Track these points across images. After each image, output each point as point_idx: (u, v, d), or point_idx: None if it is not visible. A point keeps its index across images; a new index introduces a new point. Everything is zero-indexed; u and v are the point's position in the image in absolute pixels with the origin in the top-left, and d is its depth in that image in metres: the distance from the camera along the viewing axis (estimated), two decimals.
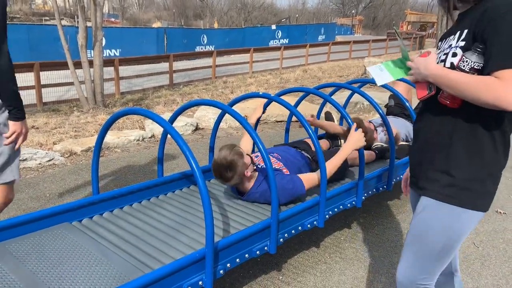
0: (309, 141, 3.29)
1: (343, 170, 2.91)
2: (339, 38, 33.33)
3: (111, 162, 4.44)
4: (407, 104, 3.33)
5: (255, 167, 2.52)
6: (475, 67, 1.24)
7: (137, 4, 67.79)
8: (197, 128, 5.81)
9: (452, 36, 1.37)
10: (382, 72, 1.53)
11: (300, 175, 2.49)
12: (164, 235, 2.12)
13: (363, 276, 2.52)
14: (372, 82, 3.46)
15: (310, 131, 2.25)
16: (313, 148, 3.21)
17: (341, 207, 2.56)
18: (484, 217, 3.33)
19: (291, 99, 6.55)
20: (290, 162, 2.72)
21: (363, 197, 2.73)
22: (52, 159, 4.22)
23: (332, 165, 2.52)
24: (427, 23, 56.68)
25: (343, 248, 2.84)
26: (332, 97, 3.90)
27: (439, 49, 1.45)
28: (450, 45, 1.34)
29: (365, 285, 2.44)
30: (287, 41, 26.24)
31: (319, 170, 2.40)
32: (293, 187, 2.41)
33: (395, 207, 3.48)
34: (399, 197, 3.67)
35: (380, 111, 2.90)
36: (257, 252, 2.01)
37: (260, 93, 2.56)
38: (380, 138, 3.56)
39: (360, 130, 2.60)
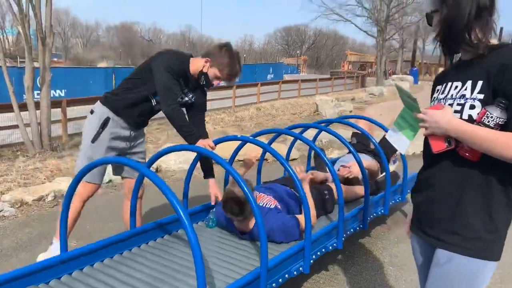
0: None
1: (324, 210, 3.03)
2: (286, 77, 34.40)
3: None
4: (373, 140, 3.40)
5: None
6: (499, 122, 1.25)
7: (82, 44, 66.78)
8: (157, 171, 5.61)
9: (460, 84, 1.37)
10: (398, 135, 1.49)
11: (298, 216, 2.57)
12: None
13: None
14: (337, 121, 3.54)
15: (294, 176, 2.21)
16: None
17: (323, 250, 2.51)
18: None
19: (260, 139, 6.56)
20: (283, 200, 2.78)
21: (343, 238, 2.70)
22: (1, 210, 3.87)
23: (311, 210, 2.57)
24: (366, 62, 60.25)
25: None
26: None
27: (439, 92, 1.45)
28: (464, 95, 1.34)
29: None
30: (237, 80, 26.65)
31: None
32: (294, 224, 2.49)
33: (368, 245, 3.48)
34: (370, 235, 3.68)
35: (351, 148, 3.00)
36: None
37: (239, 136, 2.52)
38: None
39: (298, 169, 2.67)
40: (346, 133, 6.77)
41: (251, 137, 2.55)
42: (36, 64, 8.01)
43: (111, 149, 2.68)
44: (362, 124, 4.01)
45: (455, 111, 1.33)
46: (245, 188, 1.89)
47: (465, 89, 1.34)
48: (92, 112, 2.75)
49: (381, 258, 3.27)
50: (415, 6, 28.37)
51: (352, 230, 2.84)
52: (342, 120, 3.61)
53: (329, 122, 3.67)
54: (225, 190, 2.49)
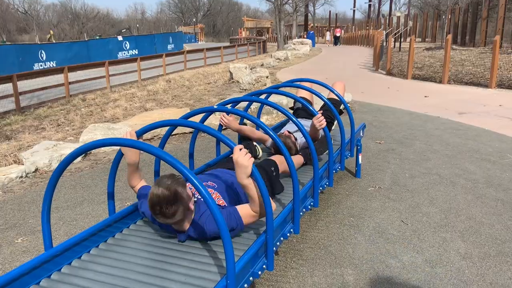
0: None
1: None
2: (186, 47, 33.59)
3: None
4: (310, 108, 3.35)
5: (195, 199, 2.18)
6: None
7: None
8: (86, 154, 5.22)
9: None
10: None
11: (239, 208, 2.13)
12: (145, 276, 1.85)
13: (332, 273, 2.61)
14: (287, 85, 3.60)
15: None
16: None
17: (281, 238, 2.34)
18: (398, 196, 3.76)
19: (180, 113, 6.29)
20: (228, 190, 2.35)
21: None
22: None
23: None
24: (263, 28, 61.13)
25: (300, 250, 2.89)
26: (230, 107, 3.52)
27: None
28: None
29: (339, 280, 2.54)
30: (136, 52, 25.34)
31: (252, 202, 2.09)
32: (228, 224, 2.05)
33: (324, 201, 3.67)
34: (322, 192, 3.88)
35: (293, 118, 2.73)
36: None
37: (215, 106, 2.43)
38: (300, 141, 3.60)
39: (242, 152, 1.98)
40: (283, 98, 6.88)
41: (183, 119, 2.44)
42: None
43: None
44: (305, 85, 4.08)
45: None
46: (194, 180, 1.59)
47: None
48: None
49: (340, 211, 3.49)
50: None
51: (304, 210, 2.76)
52: (292, 84, 3.67)
53: (278, 87, 3.71)
54: (151, 190, 1.98)
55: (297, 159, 3.33)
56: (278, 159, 2.98)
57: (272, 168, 2.83)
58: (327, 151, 3.21)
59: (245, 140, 3.59)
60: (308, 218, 3.37)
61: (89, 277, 1.87)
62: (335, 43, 35.72)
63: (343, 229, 3.18)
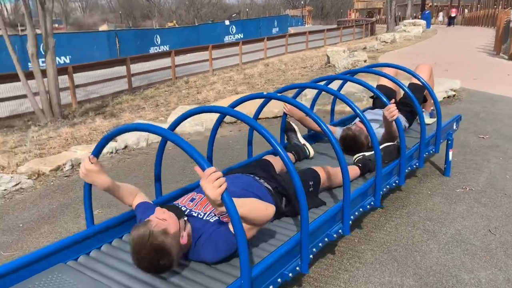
0: (271, 158, 2.69)
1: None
2: (291, 30, 33.44)
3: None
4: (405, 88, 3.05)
5: (186, 218, 1.83)
6: None
7: (81, 8, 65.42)
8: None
9: None
10: None
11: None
12: None
13: (390, 282, 2.34)
14: (364, 71, 3.29)
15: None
16: (277, 169, 2.58)
17: (361, 209, 2.34)
18: (491, 201, 3.26)
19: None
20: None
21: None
22: (19, 183, 3.78)
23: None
24: (374, 9, 58.19)
25: (360, 251, 2.65)
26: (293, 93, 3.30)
27: None
28: None
29: None
30: (242, 36, 25.97)
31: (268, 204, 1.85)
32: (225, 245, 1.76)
33: (401, 200, 3.33)
34: (401, 189, 3.53)
35: (357, 110, 2.40)
36: None
37: (265, 93, 2.30)
38: (377, 133, 3.25)
39: (211, 178, 1.47)
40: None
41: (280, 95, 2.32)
42: (37, 31, 7.75)
43: None
44: (388, 71, 3.72)
45: None
46: None
47: None
48: None
49: (416, 213, 3.13)
50: None
51: (388, 186, 2.61)
52: (369, 69, 3.35)
53: (354, 72, 3.42)
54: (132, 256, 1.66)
55: (352, 171, 2.73)
56: (324, 171, 2.51)
57: (310, 183, 2.36)
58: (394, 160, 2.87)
59: (290, 131, 3.28)
60: (377, 217, 3.08)
61: (124, 259, 1.90)
62: (449, 24, 32.46)
63: (414, 233, 2.84)
